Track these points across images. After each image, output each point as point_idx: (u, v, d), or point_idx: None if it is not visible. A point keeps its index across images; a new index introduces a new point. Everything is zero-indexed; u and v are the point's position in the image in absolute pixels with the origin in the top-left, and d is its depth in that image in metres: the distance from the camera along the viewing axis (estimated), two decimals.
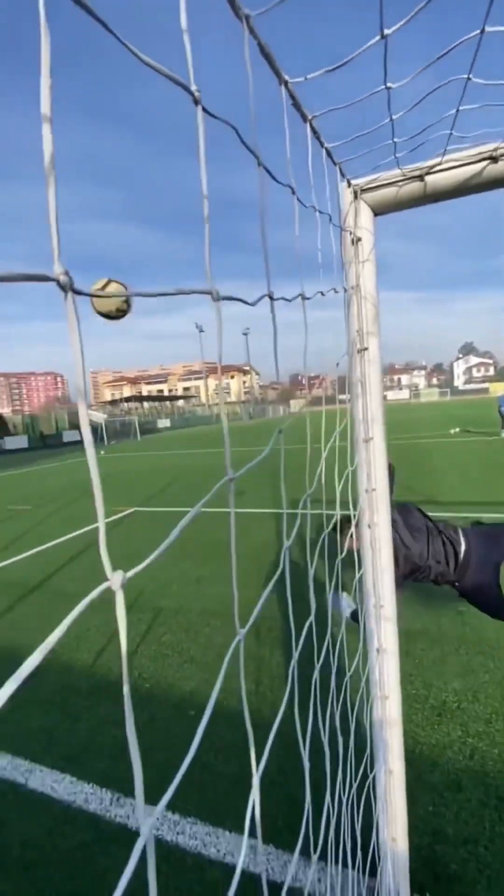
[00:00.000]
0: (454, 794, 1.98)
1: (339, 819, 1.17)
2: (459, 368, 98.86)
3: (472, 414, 26.79)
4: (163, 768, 1.63)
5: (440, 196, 1.20)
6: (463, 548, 2.23)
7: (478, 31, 0.53)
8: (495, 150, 1.09)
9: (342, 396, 1.40)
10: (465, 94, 0.72)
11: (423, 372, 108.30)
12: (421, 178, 1.16)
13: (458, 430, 17.55)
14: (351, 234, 1.24)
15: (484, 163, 1.11)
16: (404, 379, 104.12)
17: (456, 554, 2.23)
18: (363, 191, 1.22)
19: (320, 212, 0.90)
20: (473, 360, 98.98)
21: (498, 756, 2.15)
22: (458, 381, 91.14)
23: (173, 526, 0.36)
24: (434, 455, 11.89)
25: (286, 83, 0.52)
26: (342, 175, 1.07)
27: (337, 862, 1.30)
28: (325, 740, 0.96)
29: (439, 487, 7.91)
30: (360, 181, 1.18)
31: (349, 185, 1.16)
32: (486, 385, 70.39)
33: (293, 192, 0.66)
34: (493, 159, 1.10)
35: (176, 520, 7.29)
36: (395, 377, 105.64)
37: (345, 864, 1.56)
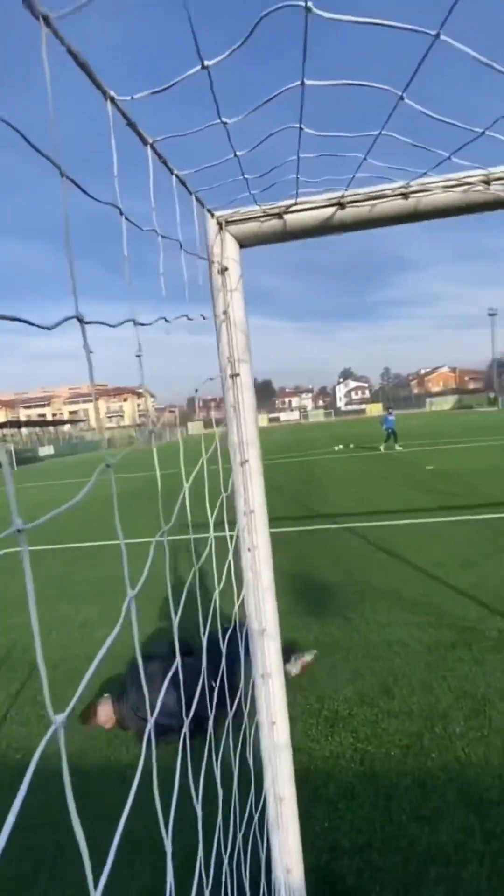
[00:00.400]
0: (348, 804, 2.03)
1: (225, 867, 1.10)
2: (341, 391, 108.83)
3: (353, 432, 29.51)
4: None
5: (300, 235, 1.29)
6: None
7: (298, 83, 0.57)
8: (342, 197, 1.21)
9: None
10: (300, 142, 0.78)
11: (310, 395, 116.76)
12: (280, 216, 1.24)
13: (341, 446, 19.14)
14: (218, 263, 1.26)
15: (333, 208, 1.23)
16: (294, 401, 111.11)
17: None
18: (228, 223, 1.26)
19: (180, 243, 0.89)
20: (352, 383, 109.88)
21: (384, 755, 2.28)
22: (341, 403, 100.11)
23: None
24: (320, 470, 12.76)
25: (112, 99, 0.49)
26: (201, 204, 1.08)
27: None
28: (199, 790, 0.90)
29: (324, 500, 8.46)
30: (223, 213, 1.22)
31: (212, 215, 1.19)
32: (363, 406, 78.53)
33: (157, 232, 0.63)
34: (341, 205, 1.22)
35: (54, 557, 6.63)
36: (286, 400, 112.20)
37: None
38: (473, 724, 2.42)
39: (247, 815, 1.33)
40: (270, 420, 76.93)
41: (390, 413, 17.97)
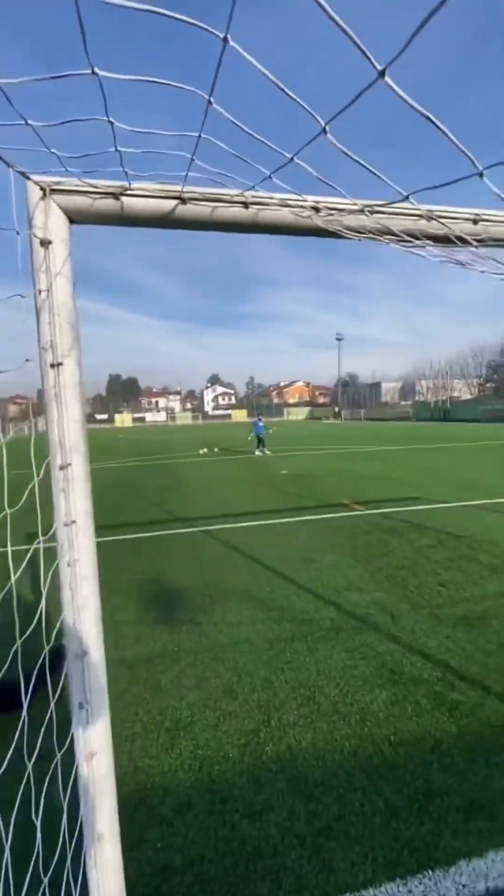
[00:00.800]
0: (183, 817, 1.98)
1: None
2: (209, 395, 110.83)
3: (219, 436, 30.21)
4: None
5: (139, 222, 1.20)
6: None
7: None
8: (182, 191, 1.16)
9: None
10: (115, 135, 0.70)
11: (178, 397, 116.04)
12: (116, 196, 1.13)
13: (205, 450, 19.40)
14: (40, 233, 1.09)
15: (174, 201, 1.17)
16: (161, 402, 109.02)
17: None
18: (54, 191, 1.10)
19: None
20: (220, 388, 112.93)
21: (223, 758, 2.30)
22: (208, 407, 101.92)
23: None
24: (184, 473, 12.71)
25: None
26: (6, 163, 0.91)
27: None
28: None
29: (183, 503, 8.43)
30: (45, 179, 1.06)
31: (26, 178, 1.02)
32: (230, 412, 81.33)
33: None
34: (182, 200, 1.17)
35: None
36: (154, 400, 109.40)
37: None
38: (304, 711, 2.61)
39: (59, 853, 1.16)
40: (135, 420, 73.93)
41: (259, 420, 19.11)
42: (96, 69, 0.65)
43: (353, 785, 2.09)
